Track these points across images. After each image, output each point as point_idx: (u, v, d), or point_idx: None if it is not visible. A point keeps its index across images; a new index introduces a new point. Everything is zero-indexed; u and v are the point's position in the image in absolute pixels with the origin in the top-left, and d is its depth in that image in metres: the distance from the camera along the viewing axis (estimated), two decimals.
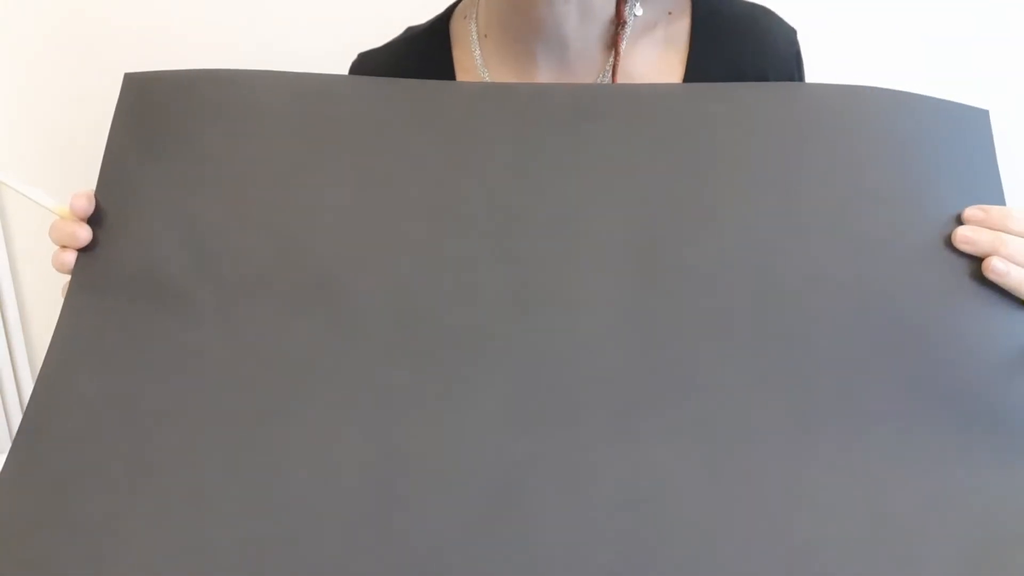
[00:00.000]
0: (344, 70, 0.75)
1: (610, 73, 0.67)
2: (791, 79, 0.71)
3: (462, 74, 0.70)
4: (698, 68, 0.68)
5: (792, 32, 0.71)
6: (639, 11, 0.67)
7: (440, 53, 0.71)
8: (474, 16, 0.71)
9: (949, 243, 0.53)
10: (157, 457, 0.49)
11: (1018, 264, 0.51)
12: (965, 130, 0.58)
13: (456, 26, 0.73)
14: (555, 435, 0.49)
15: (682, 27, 0.69)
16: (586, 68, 0.68)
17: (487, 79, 0.68)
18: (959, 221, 0.54)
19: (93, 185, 0.56)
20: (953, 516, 0.47)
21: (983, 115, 0.59)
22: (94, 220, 0.55)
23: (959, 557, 0.45)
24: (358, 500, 0.47)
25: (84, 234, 0.54)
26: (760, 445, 0.49)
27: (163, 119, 0.56)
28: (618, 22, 0.66)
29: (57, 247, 0.55)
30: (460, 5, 0.74)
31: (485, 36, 0.69)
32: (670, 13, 0.69)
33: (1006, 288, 0.52)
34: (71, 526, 0.47)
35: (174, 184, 0.54)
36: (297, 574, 0.46)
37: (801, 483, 0.48)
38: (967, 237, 0.52)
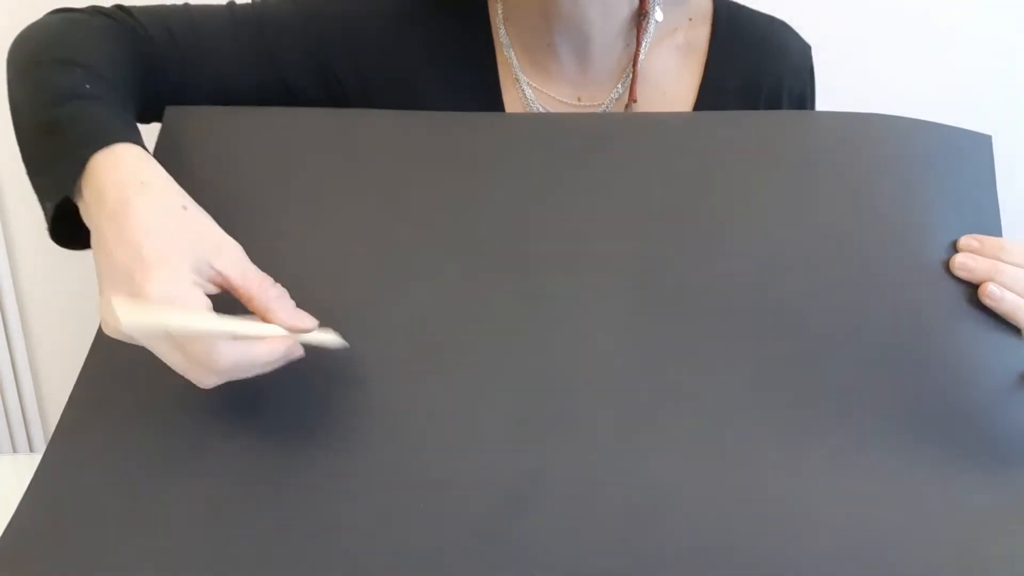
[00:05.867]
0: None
1: (630, 68, 0.68)
2: (804, 92, 0.73)
3: (498, 51, 0.69)
4: (715, 74, 0.70)
5: (807, 48, 0.73)
6: (659, 16, 0.68)
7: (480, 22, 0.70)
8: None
9: (947, 268, 0.55)
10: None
11: (1012, 291, 0.54)
12: (967, 156, 0.60)
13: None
14: (561, 446, 0.50)
15: (702, 34, 0.71)
16: (607, 62, 0.69)
17: (514, 62, 0.69)
18: (956, 248, 0.56)
19: None
20: (940, 534, 0.49)
21: (986, 140, 0.61)
22: None
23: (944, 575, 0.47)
24: (367, 505, 0.49)
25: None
26: (758, 459, 0.51)
27: (202, 152, 0.58)
28: (640, 13, 0.66)
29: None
30: None
31: (507, 20, 0.69)
32: (690, 20, 0.71)
33: (1001, 314, 0.54)
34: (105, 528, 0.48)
35: (212, 214, 0.55)
36: (306, 571, 0.47)
37: (796, 498, 0.49)
38: (964, 264, 0.55)
